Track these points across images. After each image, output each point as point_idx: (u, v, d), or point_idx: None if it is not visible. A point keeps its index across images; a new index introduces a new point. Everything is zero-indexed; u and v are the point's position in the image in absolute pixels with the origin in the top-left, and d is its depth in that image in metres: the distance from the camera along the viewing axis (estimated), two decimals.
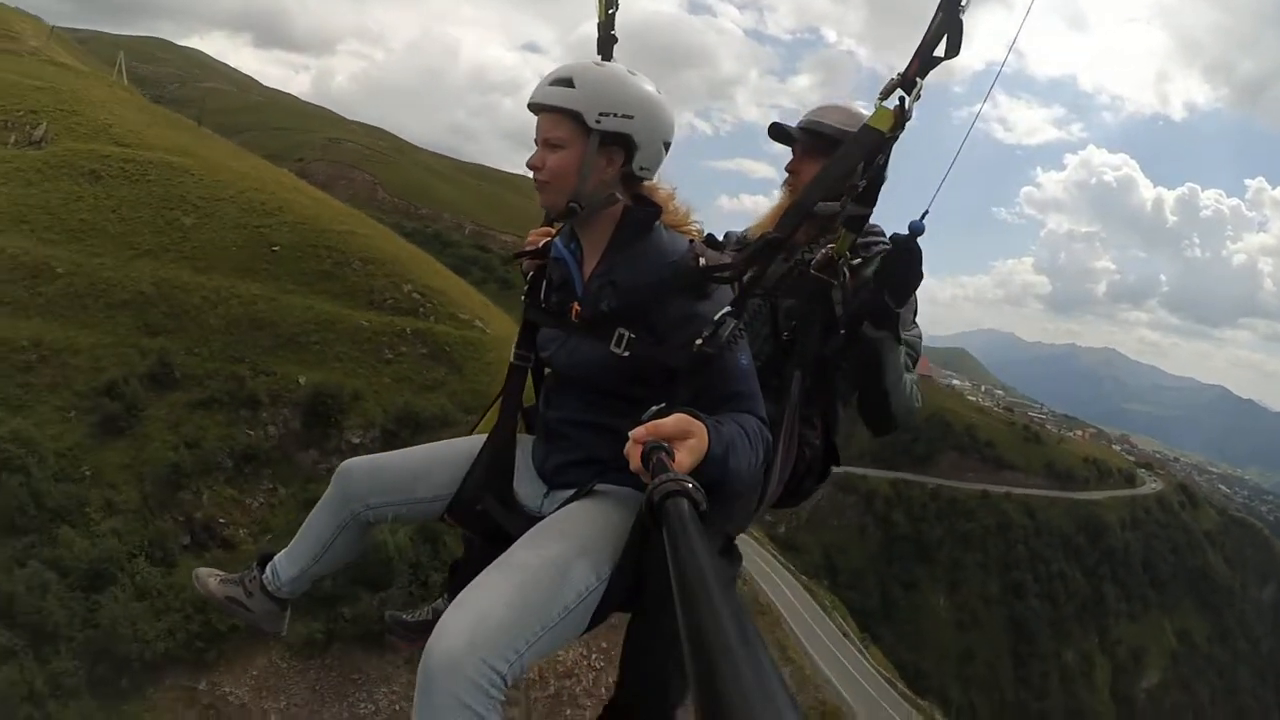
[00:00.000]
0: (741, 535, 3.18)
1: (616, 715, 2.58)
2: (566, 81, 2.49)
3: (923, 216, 2.94)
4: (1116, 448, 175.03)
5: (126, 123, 44.51)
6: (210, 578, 3.16)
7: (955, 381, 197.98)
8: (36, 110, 41.44)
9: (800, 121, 3.41)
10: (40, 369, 30.30)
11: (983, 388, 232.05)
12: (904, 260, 2.92)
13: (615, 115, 2.47)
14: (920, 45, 2.57)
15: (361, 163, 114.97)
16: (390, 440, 29.88)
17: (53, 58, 59.29)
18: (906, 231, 2.91)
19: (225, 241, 36.35)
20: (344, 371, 32.46)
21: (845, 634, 56.28)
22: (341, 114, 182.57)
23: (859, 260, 3.16)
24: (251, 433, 30.18)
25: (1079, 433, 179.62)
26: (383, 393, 32.17)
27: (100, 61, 78.70)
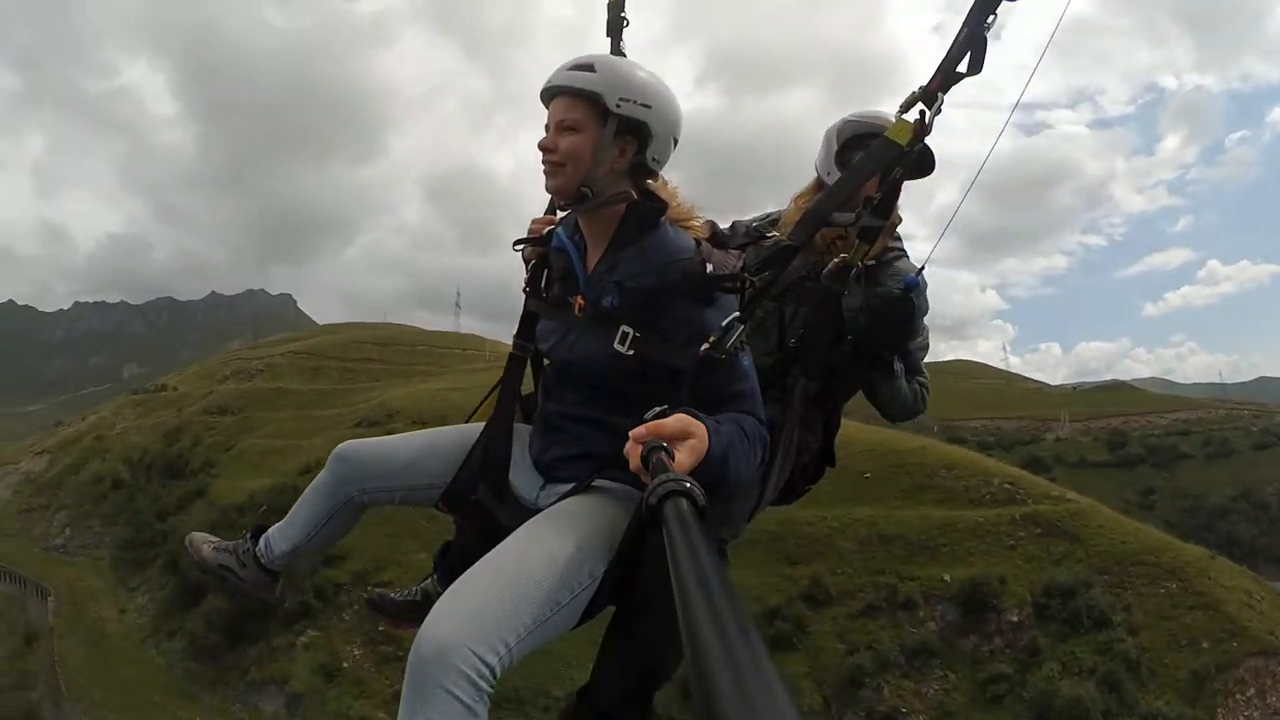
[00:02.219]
0: None
1: (592, 699, 2.60)
2: (587, 66, 2.48)
3: (919, 272, 3.13)
4: None
5: None
6: (204, 544, 3.16)
7: None
8: None
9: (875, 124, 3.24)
10: None
11: None
12: (898, 314, 3.06)
13: (634, 102, 2.46)
14: (943, 60, 2.60)
15: None
16: (1041, 612, 33.81)
17: None
18: (903, 286, 3.05)
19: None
20: (980, 564, 36.21)
21: None
22: None
23: (874, 263, 3.18)
24: (915, 630, 34.99)
25: None
26: (1020, 574, 35.26)
27: None
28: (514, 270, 2.98)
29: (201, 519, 49.12)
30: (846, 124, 3.35)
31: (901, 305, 3.06)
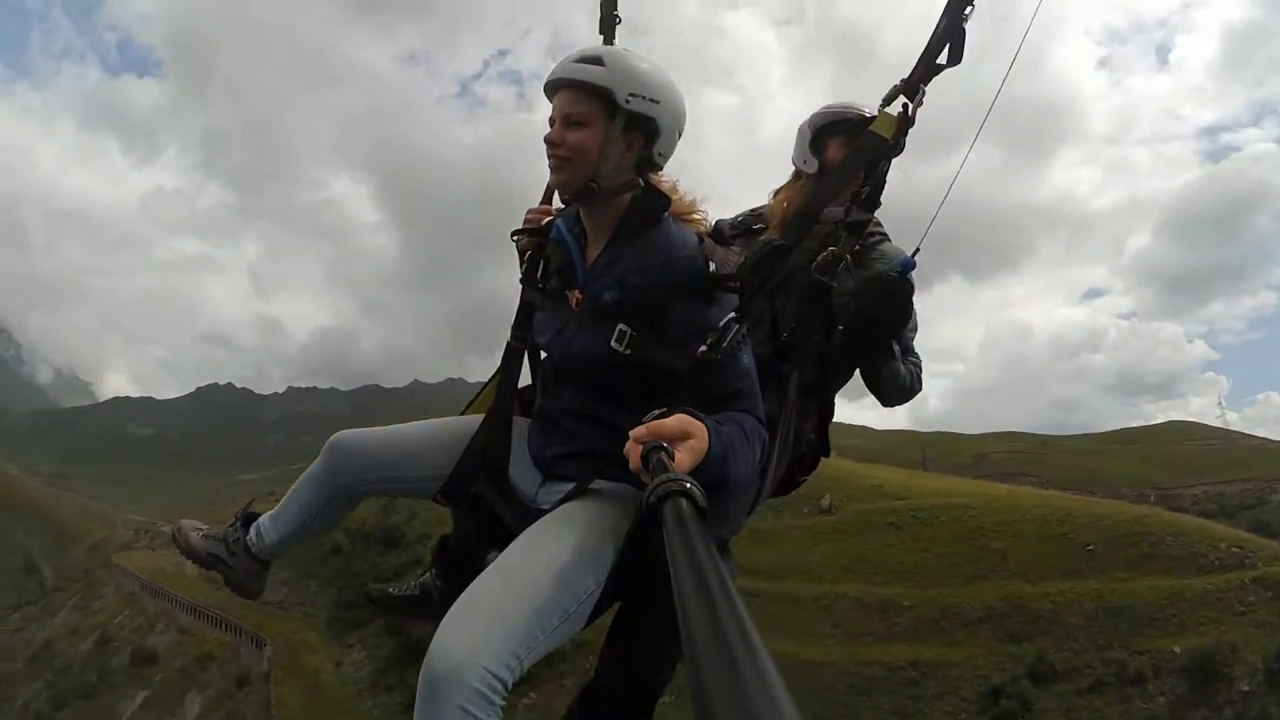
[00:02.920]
0: None
1: (595, 697, 2.60)
2: (595, 60, 2.44)
3: (914, 254, 3.12)
4: None
5: (889, 481, 54.02)
6: (193, 532, 3.10)
7: None
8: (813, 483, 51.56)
9: (846, 112, 3.35)
10: (924, 683, 37.10)
11: None
12: (897, 296, 3.10)
13: (643, 98, 2.44)
14: (923, 52, 2.58)
15: (1023, 467, 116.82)
16: (1274, 679, 31.74)
17: None
18: (899, 268, 3.06)
19: (1039, 553, 41.78)
20: (1211, 632, 34.26)
21: None
22: (958, 431, 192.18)
23: (859, 248, 3.17)
24: (1144, 705, 33.24)
25: None
26: (1252, 641, 33.30)
27: None
28: None
29: None
30: (817, 115, 3.41)
31: (900, 287, 3.11)
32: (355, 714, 47.79)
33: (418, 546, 60.56)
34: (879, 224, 3.36)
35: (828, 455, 3.33)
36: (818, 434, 3.26)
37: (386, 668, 49.84)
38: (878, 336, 3.19)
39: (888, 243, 3.38)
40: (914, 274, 3.17)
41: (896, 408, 3.53)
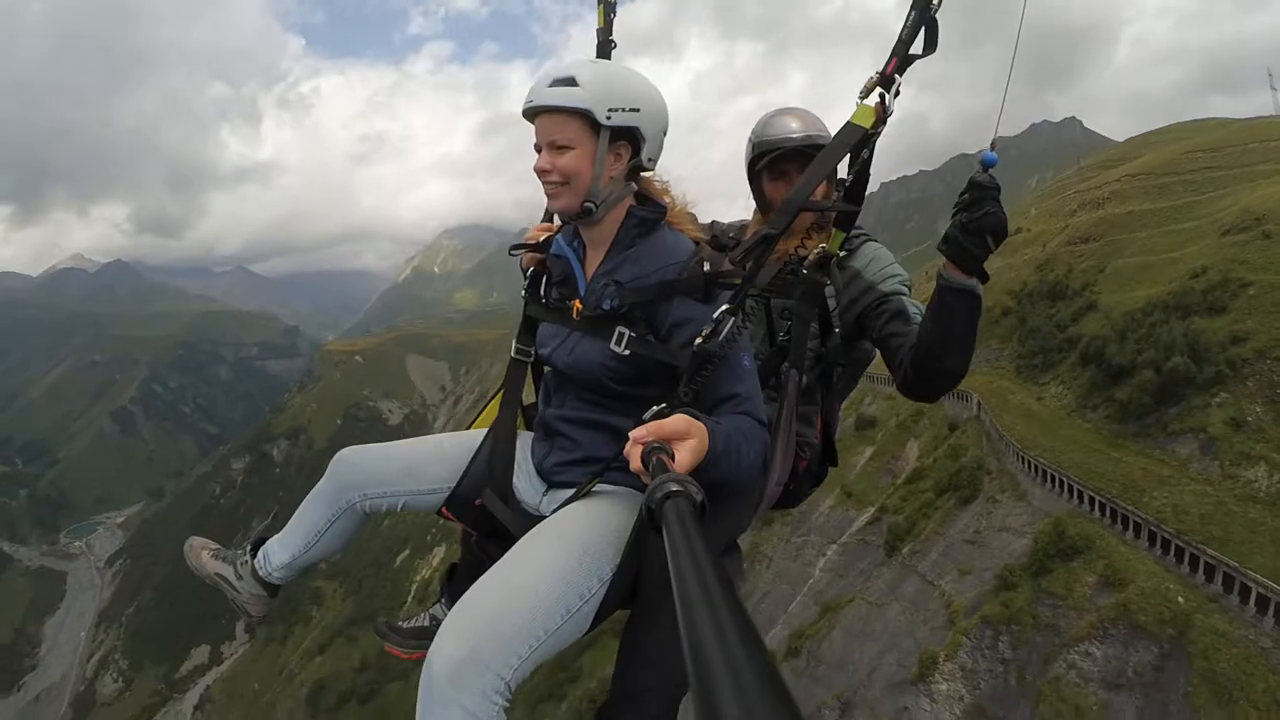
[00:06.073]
0: None
1: (613, 714, 2.52)
2: (568, 81, 2.42)
3: (992, 146, 2.67)
4: None
5: None
6: (204, 550, 3.09)
7: None
8: None
9: (796, 139, 3.33)
10: None
11: None
12: (990, 199, 2.68)
13: (623, 110, 2.43)
14: (896, 44, 2.56)
15: None
16: None
17: None
18: (980, 166, 2.70)
19: None
20: None
21: None
22: None
23: (844, 253, 3.20)
24: None
25: None
26: None
27: None
28: None
29: (1097, 327, 56.44)
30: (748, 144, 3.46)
31: (988, 184, 2.67)
32: (1068, 427, 51.02)
33: (1085, 294, 63.68)
34: (859, 225, 3.33)
35: (835, 464, 3.38)
36: (822, 442, 3.34)
37: (1089, 391, 53.03)
38: (977, 248, 2.71)
39: (870, 242, 3.43)
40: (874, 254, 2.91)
41: None
